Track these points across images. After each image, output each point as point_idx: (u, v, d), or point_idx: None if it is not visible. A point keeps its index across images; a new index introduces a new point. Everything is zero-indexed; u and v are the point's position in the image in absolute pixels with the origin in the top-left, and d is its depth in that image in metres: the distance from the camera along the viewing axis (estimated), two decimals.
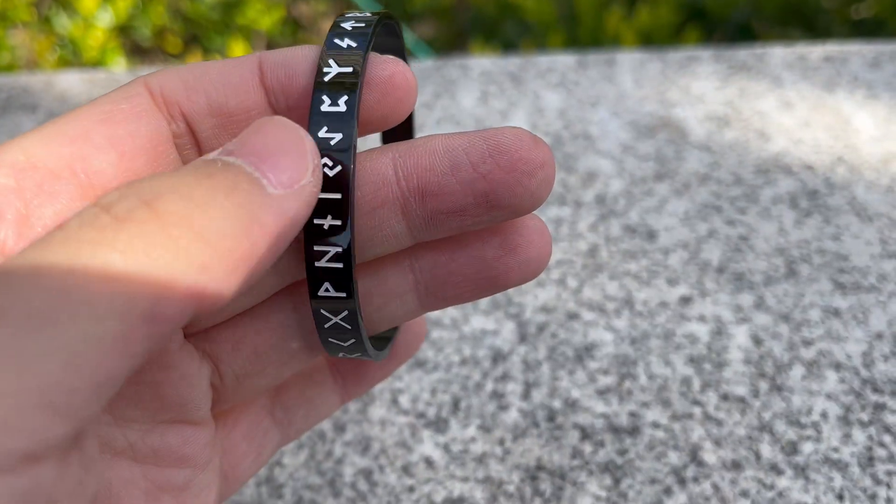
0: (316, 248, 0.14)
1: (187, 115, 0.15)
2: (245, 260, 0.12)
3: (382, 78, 0.15)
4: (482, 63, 0.43)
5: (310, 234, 0.14)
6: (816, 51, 0.43)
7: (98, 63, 0.96)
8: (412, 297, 0.16)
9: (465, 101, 0.41)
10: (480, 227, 0.15)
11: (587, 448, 0.25)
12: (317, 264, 0.14)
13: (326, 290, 0.14)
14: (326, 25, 1.25)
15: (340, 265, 0.14)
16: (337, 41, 0.15)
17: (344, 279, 0.14)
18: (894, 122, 0.38)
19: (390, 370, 0.20)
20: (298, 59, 0.15)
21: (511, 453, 0.25)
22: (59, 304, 0.10)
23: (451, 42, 1.03)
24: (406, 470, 0.25)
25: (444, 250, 0.16)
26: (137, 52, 1.10)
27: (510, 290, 0.30)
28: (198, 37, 1.10)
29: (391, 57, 0.15)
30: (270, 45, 1.16)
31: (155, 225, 0.11)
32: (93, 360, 0.10)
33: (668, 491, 0.24)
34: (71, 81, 0.43)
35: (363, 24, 0.15)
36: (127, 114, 0.14)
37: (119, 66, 0.97)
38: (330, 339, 0.15)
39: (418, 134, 0.38)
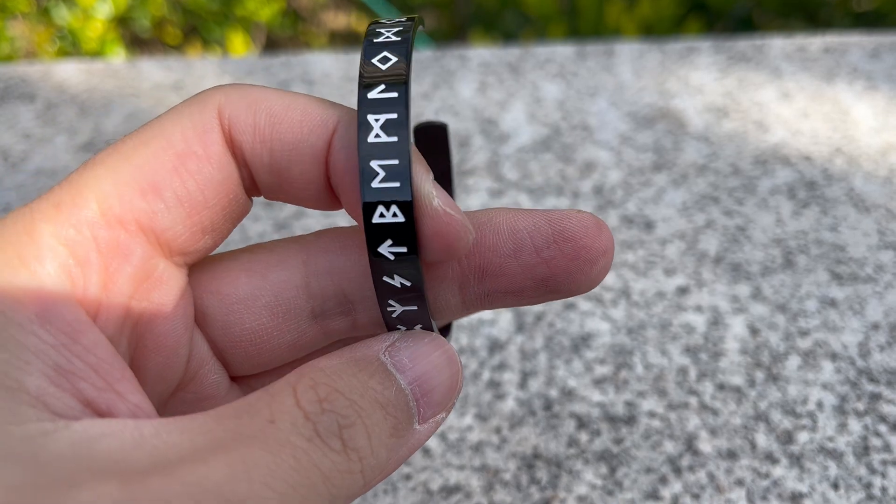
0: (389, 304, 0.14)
1: (249, 163, 0.15)
2: (376, 484, 0.14)
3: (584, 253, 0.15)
4: (481, 54, 0.43)
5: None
6: (816, 42, 0.43)
7: (97, 54, 0.96)
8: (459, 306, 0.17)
9: (463, 91, 0.41)
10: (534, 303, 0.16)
11: (583, 437, 0.25)
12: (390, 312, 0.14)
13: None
14: (326, 17, 1.24)
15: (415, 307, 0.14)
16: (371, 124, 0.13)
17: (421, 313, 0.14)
18: (893, 113, 0.38)
19: None
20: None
21: (508, 442, 0.25)
22: None
23: (451, 33, 1.02)
24: None
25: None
26: (136, 43, 1.10)
27: None
28: (197, 28, 1.10)
29: (591, 218, 0.15)
30: (270, 37, 1.16)
31: (345, 458, 0.13)
32: None
33: (663, 480, 0.24)
34: (69, 71, 0.43)
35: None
36: (200, 160, 0.14)
37: (118, 57, 0.97)
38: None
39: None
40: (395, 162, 0.13)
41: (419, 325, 0.15)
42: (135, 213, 0.14)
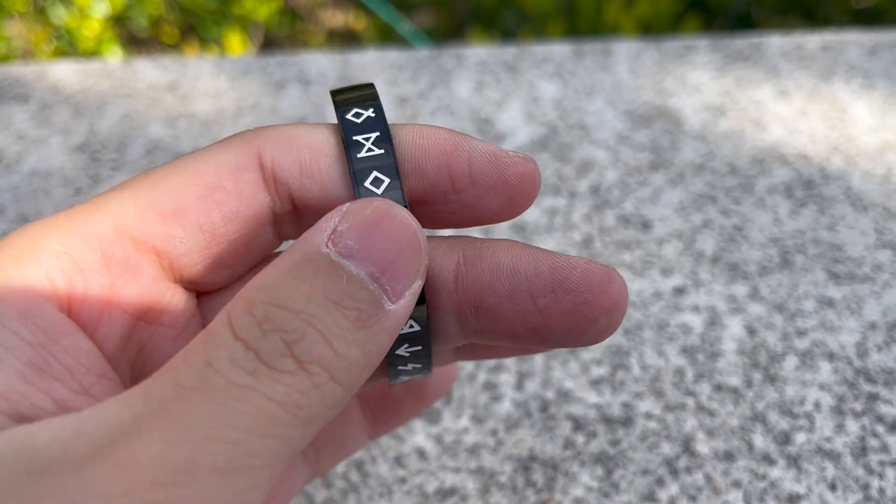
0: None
1: (296, 200, 0.14)
2: (363, 381, 0.12)
3: (512, 182, 0.14)
4: (478, 53, 0.43)
5: None
6: (813, 39, 0.43)
7: (94, 53, 0.95)
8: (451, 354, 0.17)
9: (460, 90, 0.40)
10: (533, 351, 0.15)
11: (580, 439, 0.25)
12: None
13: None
14: (324, 15, 1.24)
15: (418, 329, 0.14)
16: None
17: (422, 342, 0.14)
18: (891, 111, 0.38)
19: (419, 410, 0.19)
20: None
21: (504, 444, 0.25)
22: (236, 458, 0.11)
23: (449, 32, 1.02)
24: (398, 461, 0.25)
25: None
26: (133, 42, 1.10)
27: None
28: (194, 27, 1.09)
29: (521, 156, 0.15)
30: (268, 36, 1.15)
31: (303, 377, 0.11)
32: None
33: (660, 481, 0.24)
34: (64, 72, 0.43)
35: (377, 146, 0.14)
36: (228, 194, 0.14)
37: (115, 57, 0.96)
38: (399, 368, 0.15)
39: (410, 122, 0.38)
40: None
41: (420, 375, 0.15)
42: (151, 234, 0.13)
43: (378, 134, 0.14)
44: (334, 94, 0.15)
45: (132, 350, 0.14)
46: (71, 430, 0.11)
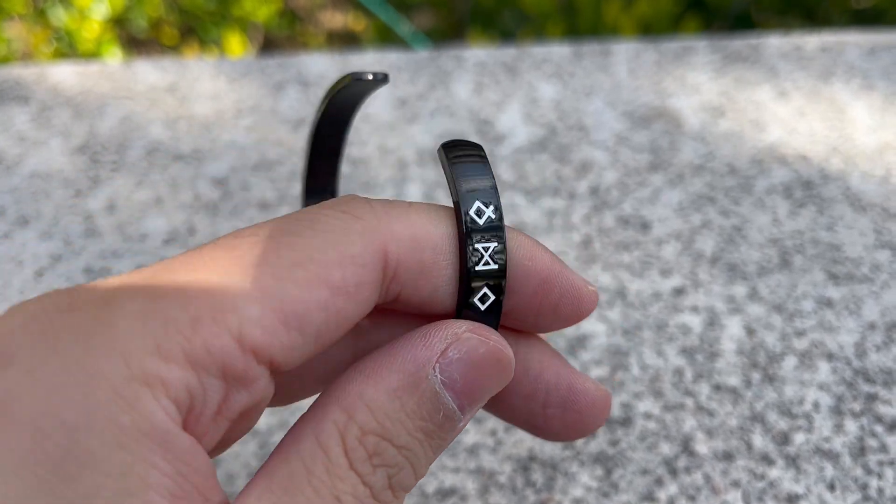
0: None
1: (403, 297, 0.15)
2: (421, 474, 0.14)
3: (584, 314, 0.16)
4: (477, 54, 0.43)
5: None
6: (812, 40, 0.43)
7: (94, 55, 0.95)
8: None
9: (459, 92, 0.40)
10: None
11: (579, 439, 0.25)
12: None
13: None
14: (323, 16, 1.24)
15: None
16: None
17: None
18: (890, 111, 0.38)
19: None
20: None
21: (503, 444, 0.25)
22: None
23: (449, 32, 1.02)
24: None
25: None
26: (133, 43, 1.10)
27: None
28: (194, 28, 1.09)
29: (593, 290, 0.16)
30: (267, 37, 1.16)
31: (394, 502, 0.14)
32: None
33: (659, 481, 0.24)
34: (64, 74, 0.43)
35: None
36: (349, 299, 0.13)
37: (115, 58, 0.97)
38: None
39: (412, 126, 0.38)
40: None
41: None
42: (271, 346, 0.13)
43: (496, 245, 0.15)
44: (450, 158, 0.15)
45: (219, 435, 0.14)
46: None
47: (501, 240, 0.14)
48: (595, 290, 0.16)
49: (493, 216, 0.14)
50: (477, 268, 0.14)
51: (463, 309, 0.15)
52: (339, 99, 0.17)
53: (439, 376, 0.13)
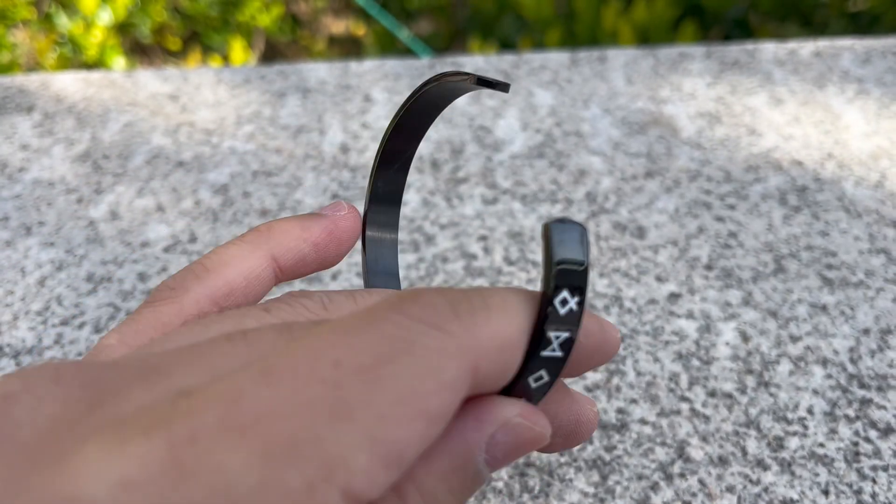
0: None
1: (480, 382, 0.15)
2: None
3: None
4: (475, 61, 0.44)
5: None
6: (807, 46, 0.43)
7: (98, 61, 0.96)
8: None
9: (457, 99, 0.41)
10: None
11: None
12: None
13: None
14: (325, 22, 1.25)
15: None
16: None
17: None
18: (884, 117, 0.38)
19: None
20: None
21: None
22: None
23: (448, 39, 1.03)
24: None
25: None
26: (137, 50, 1.10)
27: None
28: (197, 34, 1.10)
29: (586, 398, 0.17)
30: (270, 43, 1.16)
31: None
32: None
33: (654, 487, 0.24)
34: (66, 82, 0.43)
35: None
36: (439, 425, 0.14)
37: (118, 65, 0.97)
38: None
39: None
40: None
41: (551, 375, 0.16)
42: (372, 492, 0.12)
43: (568, 335, 0.15)
44: (553, 232, 0.15)
45: None
46: None
47: (574, 331, 0.15)
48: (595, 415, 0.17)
49: (576, 308, 0.14)
50: (543, 353, 0.15)
51: (516, 384, 0.15)
52: (429, 95, 0.18)
53: (483, 457, 0.14)
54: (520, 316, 0.15)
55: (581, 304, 0.14)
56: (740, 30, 0.87)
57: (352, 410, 0.12)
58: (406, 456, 0.13)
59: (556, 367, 0.15)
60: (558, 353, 0.15)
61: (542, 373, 0.15)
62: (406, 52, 0.96)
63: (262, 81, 0.43)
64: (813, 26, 0.85)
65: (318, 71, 0.43)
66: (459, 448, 0.14)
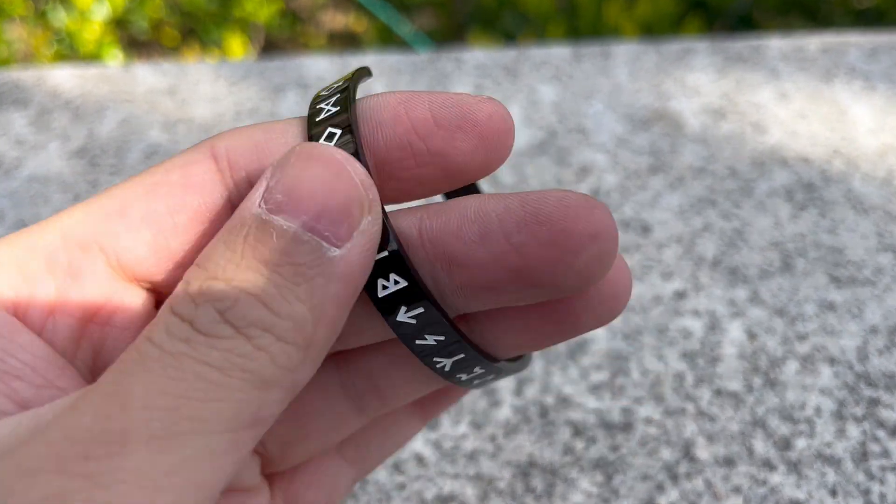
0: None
1: (254, 179, 0.14)
2: (327, 341, 0.12)
3: (480, 120, 0.13)
4: (476, 56, 0.43)
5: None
6: (814, 41, 0.43)
7: (95, 56, 0.95)
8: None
9: None
10: (526, 304, 0.13)
11: (579, 444, 0.25)
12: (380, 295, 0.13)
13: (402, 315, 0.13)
14: (324, 17, 1.24)
15: (405, 283, 0.13)
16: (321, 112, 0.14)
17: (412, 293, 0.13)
18: (891, 113, 0.38)
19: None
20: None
21: (503, 450, 0.25)
22: (174, 424, 0.11)
23: (449, 34, 1.02)
24: (397, 467, 0.25)
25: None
26: (134, 45, 1.10)
27: None
28: (195, 30, 1.09)
29: (486, 97, 0.14)
30: (268, 38, 1.15)
31: (241, 340, 0.11)
32: (211, 471, 0.11)
33: (660, 487, 0.24)
34: (63, 77, 0.43)
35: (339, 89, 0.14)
36: (173, 186, 0.13)
37: (115, 60, 0.97)
38: (436, 361, 0.14)
39: None
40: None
41: (478, 367, 0.14)
42: (95, 234, 0.13)
43: (338, 96, 0.14)
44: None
45: (86, 353, 0.14)
46: (26, 423, 0.11)
47: (342, 95, 0.14)
48: (486, 97, 0.14)
49: (341, 93, 0.14)
50: (318, 118, 0.13)
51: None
52: None
53: (265, 206, 0.12)
54: (284, 121, 0.14)
55: (344, 91, 0.14)
56: (744, 26, 0.86)
57: (89, 199, 0.14)
58: (126, 206, 0.14)
59: (341, 119, 0.13)
60: (333, 110, 0.13)
61: (329, 129, 0.13)
62: (406, 46, 0.95)
63: (261, 76, 0.42)
64: (818, 21, 0.84)
65: (318, 65, 0.43)
66: (233, 218, 0.12)
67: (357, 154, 0.13)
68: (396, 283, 0.13)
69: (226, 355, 0.11)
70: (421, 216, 0.13)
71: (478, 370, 0.14)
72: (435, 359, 0.14)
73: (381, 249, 0.13)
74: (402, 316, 0.13)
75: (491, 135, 0.13)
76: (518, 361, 0.16)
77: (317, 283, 0.11)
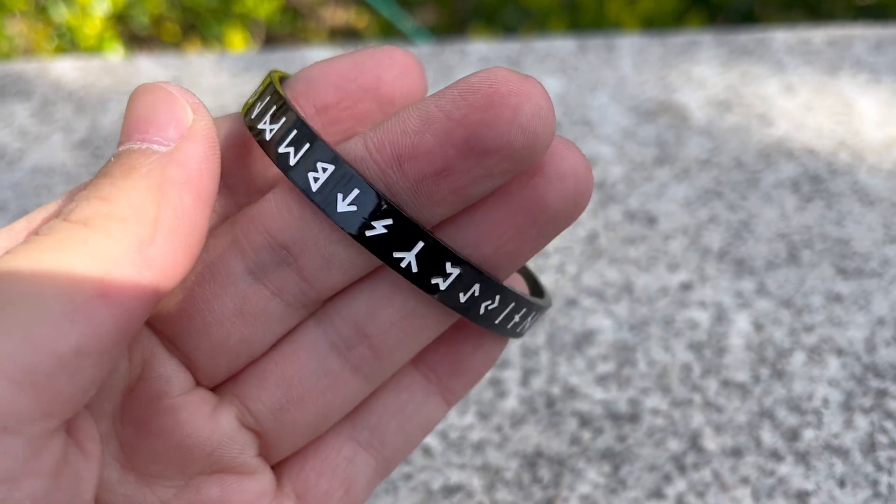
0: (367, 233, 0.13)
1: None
2: (177, 219, 0.13)
3: (397, 55, 0.15)
4: (480, 48, 0.43)
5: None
6: (819, 34, 0.43)
7: (95, 52, 0.95)
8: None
9: None
10: (486, 192, 0.13)
11: (586, 435, 0.25)
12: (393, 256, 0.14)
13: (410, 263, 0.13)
14: (325, 13, 1.24)
15: (390, 221, 0.13)
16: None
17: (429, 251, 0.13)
18: None
19: (488, 358, 0.17)
20: None
21: (509, 440, 0.25)
22: (14, 293, 0.12)
23: (451, 29, 1.02)
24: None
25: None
26: (134, 40, 1.09)
27: None
28: (195, 25, 1.09)
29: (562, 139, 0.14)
30: (269, 34, 1.15)
31: (78, 227, 0.13)
32: (47, 334, 0.11)
33: (667, 478, 0.24)
34: (66, 69, 0.43)
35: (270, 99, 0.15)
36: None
37: (116, 55, 0.96)
38: (494, 321, 0.14)
39: None
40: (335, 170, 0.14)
41: (477, 284, 0.14)
42: None
43: (262, 90, 0.15)
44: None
45: None
46: None
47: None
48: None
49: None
50: (252, 114, 0.15)
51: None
52: None
53: (119, 149, 0.14)
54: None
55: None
56: (747, 21, 0.86)
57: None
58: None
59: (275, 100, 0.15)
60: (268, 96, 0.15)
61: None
62: (407, 41, 0.95)
63: (264, 68, 0.42)
64: (820, 17, 0.84)
65: (321, 57, 0.43)
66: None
67: (294, 110, 0.14)
68: (356, 201, 0.13)
69: (63, 238, 0.12)
70: (364, 134, 0.14)
71: (477, 288, 0.14)
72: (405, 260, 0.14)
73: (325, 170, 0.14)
74: (375, 230, 0.13)
75: (411, 62, 0.16)
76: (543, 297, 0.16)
77: (151, 172, 0.13)
